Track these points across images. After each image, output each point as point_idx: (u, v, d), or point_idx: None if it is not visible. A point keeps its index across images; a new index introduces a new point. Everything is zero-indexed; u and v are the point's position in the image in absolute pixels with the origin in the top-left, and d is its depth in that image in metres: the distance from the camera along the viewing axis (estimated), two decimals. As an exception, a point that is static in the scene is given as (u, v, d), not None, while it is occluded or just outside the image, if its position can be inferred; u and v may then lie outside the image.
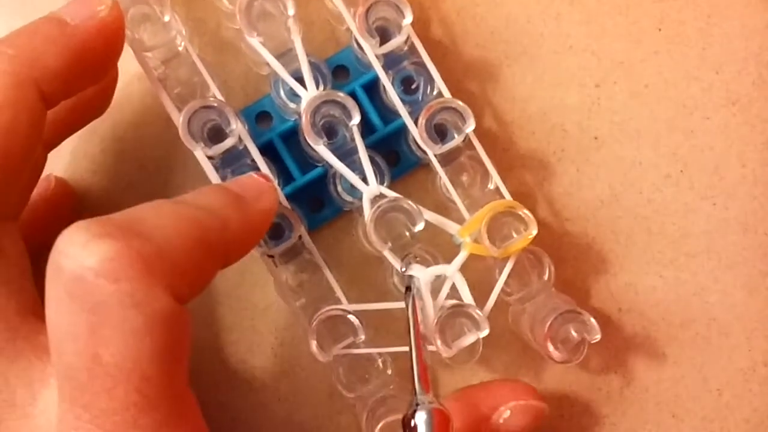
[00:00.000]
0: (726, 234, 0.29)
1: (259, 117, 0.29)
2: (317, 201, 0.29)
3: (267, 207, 0.24)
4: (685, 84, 0.30)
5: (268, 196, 0.24)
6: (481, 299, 0.26)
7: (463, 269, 0.26)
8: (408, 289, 0.26)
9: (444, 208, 0.28)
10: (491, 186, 0.27)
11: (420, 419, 0.23)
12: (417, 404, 0.23)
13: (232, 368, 0.29)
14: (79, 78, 0.23)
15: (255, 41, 0.26)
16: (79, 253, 0.18)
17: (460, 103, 0.26)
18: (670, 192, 0.29)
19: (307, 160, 0.28)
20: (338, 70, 0.29)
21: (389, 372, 0.27)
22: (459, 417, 0.25)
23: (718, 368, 0.29)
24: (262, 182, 0.24)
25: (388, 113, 0.28)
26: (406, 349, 0.25)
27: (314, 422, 0.29)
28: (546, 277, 0.27)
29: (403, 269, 0.26)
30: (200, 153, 0.25)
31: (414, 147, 0.28)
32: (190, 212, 0.21)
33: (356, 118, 0.25)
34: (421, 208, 0.26)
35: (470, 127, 0.26)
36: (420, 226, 0.26)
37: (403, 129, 0.28)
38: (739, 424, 0.29)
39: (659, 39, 0.30)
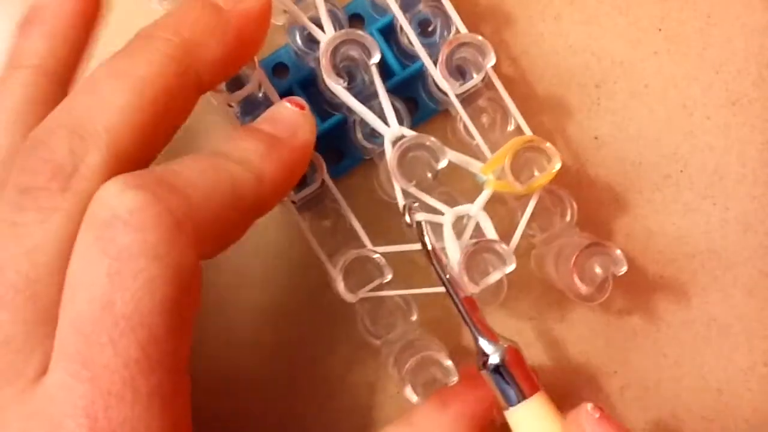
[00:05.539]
0: (726, 234, 0.29)
1: (276, 69, 0.29)
2: (337, 152, 0.29)
3: (304, 141, 0.23)
4: (685, 84, 0.30)
5: (305, 127, 0.23)
6: (505, 243, 0.25)
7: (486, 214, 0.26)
8: (422, 238, 0.25)
9: (464, 154, 0.27)
10: (511, 128, 0.27)
11: (494, 363, 0.22)
12: (485, 354, 0.23)
13: (232, 369, 0.29)
14: (230, 66, 0.23)
15: None
16: (111, 201, 0.18)
17: (480, 37, 0.26)
18: (670, 192, 0.29)
19: (326, 110, 0.28)
20: (353, 20, 0.29)
21: (414, 318, 0.27)
22: (479, 404, 0.25)
23: (718, 368, 0.29)
24: (296, 113, 0.23)
25: (405, 59, 0.28)
26: (430, 290, 0.25)
27: (314, 422, 0.29)
28: (568, 217, 0.27)
29: (407, 217, 0.25)
30: (221, 99, 0.25)
31: (433, 90, 0.27)
32: (227, 166, 0.21)
33: (376, 56, 0.25)
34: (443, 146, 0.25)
35: (490, 62, 0.26)
36: (444, 163, 0.25)
37: (420, 75, 0.27)
38: (739, 424, 0.29)
39: (659, 39, 0.30)
